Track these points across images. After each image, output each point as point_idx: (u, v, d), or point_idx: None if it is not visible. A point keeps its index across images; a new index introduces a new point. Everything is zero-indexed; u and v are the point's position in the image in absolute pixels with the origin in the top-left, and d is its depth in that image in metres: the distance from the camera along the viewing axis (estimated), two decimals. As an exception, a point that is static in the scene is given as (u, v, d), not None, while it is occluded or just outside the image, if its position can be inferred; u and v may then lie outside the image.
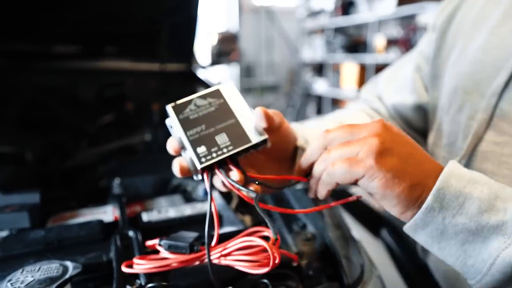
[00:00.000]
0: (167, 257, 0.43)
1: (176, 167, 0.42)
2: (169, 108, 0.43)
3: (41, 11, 1.08)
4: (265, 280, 0.43)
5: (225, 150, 0.41)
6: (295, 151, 0.50)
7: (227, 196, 0.67)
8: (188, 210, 0.60)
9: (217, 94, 0.45)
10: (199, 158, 0.40)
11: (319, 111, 4.61)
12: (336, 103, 4.33)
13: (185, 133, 0.42)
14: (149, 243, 0.45)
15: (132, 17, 1.25)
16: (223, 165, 0.41)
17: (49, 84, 1.26)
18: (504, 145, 0.46)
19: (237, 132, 0.42)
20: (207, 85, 1.32)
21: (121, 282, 0.43)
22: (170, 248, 0.43)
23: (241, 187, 0.39)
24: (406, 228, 0.37)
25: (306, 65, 4.87)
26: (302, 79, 4.86)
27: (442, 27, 0.59)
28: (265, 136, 0.42)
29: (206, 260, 0.41)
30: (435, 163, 0.37)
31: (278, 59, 4.96)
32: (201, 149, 0.40)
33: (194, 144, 0.41)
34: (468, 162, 0.50)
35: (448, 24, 0.58)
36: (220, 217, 0.59)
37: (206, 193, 0.68)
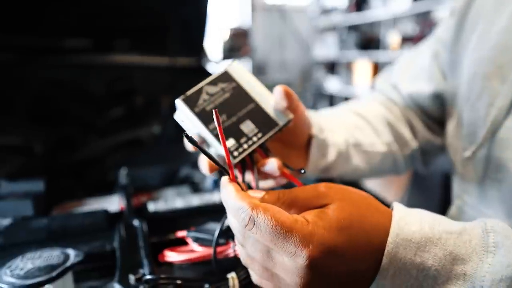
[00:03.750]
0: (194, 249, 0.43)
1: (204, 166, 0.39)
2: (179, 102, 0.38)
3: (51, 5, 1.08)
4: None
5: (255, 139, 0.37)
6: (309, 139, 0.48)
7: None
8: (195, 200, 0.59)
9: (226, 77, 0.41)
10: (230, 153, 0.36)
11: (331, 110, 4.57)
12: (348, 101, 4.28)
13: (207, 128, 0.37)
14: (179, 234, 0.47)
15: (142, 10, 1.24)
16: (253, 153, 0.38)
17: (59, 78, 1.26)
18: None
19: (261, 117, 0.39)
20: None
21: (124, 271, 0.41)
22: (198, 241, 0.44)
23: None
24: None
25: (318, 63, 4.83)
26: (314, 78, 4.82)
27: (462, 11, 0.56)
28: (290, 116, 0.40)
29: (231, 253, 0.40)
30: (377, 233, 0.29)
31: (290, 57, 4.93)
32: (230, 142, 0.37)
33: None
34: (488, 151, 0.47)
35: (467, 8, 0.55)
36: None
37: (215, 184, 0.66)
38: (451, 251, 0.28)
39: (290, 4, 4.79)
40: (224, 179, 0.32)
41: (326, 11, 4.56)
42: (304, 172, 0.38)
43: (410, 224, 0.29)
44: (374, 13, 3.67)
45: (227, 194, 0.31)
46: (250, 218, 0.28)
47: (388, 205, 0.33)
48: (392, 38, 3.46)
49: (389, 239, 0.29)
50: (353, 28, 4.18)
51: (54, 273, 0.37)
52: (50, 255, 0.40)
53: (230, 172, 0.32)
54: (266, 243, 0.29)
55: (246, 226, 0.28)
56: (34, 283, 0.36)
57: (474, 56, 0.51)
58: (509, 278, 0.27)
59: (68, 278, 0.40)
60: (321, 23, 4.64)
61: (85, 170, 0.93)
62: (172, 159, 0.93)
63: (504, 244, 0.28)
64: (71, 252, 0.41)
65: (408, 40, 3.29)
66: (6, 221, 0.51)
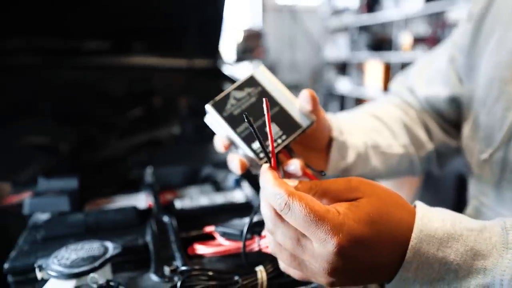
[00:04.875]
0: (222, 243, 0.46)
1: (236, 165, 0.42)
2: (209, 107, 0.41)
3: (73, 9, 1.12)
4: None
5: (279, 141, 0.40)
6: (329, 141, 0.50)
7: (257, 185, 0.68)
8: (219, 198, 0.61)
9: (252, 81, 0.43)
10: (257, 154, 0.39)
11: (342, 111, 4.56)
12: (359, 102, 4.28)
13: (235, 131, 0.40)
14: (207, 229, 0.50)
15: (161, 13, 1.27)
16: (278, 154, 0.41)
17: (80, 79, 1.30)
18: None
19: (285, 119, 0.41)
20: (232, 81, 1.33)
21: (159, 263, 0.44)
22: (225, 235, 0.47)
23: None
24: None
25: (329, 64, 4.83)
26: (325, 78, 4.82)
27: (479, 16, 0.57)
28: (313, 118, 0.42)
29: (255, 247, 0.43)
30: (402, 228, 0.31)
31: (301, 57, 4.94)
32: (256, 145, 0.39)
33: (247, 140, 0.39)
34: (505, 153, 0.49)
35: (485, 13, 0.56)
36: (252, 207, 0.60)
37: (236, 183, 0.69)
38: (472, 247, 0.30)
39: (301, 4, 4.79)
40: (265, 166, 0.35)
41: (337, 12, 4.56)
42: (325, 175, 0.41)
43: (432, 221, 0.32)
44: (386, 13, 3.66)
45: (266, 180, 0.33)
46: (286, 204, 0.30)
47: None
48: (404, 38, 3.45)
49: (413, 235, 0.31)
50: (364, 28, 4.18)
51: (96, 263, 0.41)
52: (91, 247, 0.44)
53: (272, 159, 0.34)
54: (299, 228, 0.31)
55: (282, 210, 0.31)
56: (80, 272, 0.39)
57: (491, 61, 0.53)
58: None
59: (108, 268, 0.43)
60: (332, 24, 4.64)
61: (108, 169, 0.96)
62: (191, 158, 0.97)
63: None
64: (109, 244, 0.44)
65: (420, 41, 3.28)
66: (45, 216, 0.55)
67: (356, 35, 4.17)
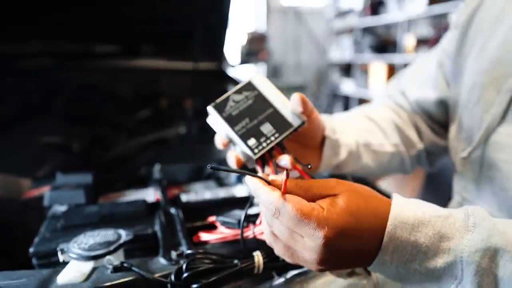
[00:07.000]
0: (223, 232, 0.52)
1: (232, 160, 0.47)
2: (210, 108, 0.46)
3: (84, 13, 1.17)
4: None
5: (272, 138, 0.45)
6: (323, 140, 0.55)
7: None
8: (222, 193, 0.66)
9: (250, 86, 0.48)
10: (252, 150, 0.44)
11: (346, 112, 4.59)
12: (363, 103, 4.30)
13: (233, 129, 0.45)
14: (210, 219, 0.55)
15: (168, 17, 1.32)
16: (272, 150, 0.46)
17: (91, 81, 1.36)
18: None
19: (278, 120, 0.46)
20: (236, 83, 1.38)
21: (167, 248, 0.49)
22: (224, 224, 0.52)
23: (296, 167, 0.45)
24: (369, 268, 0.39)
25: (333, 66, 4.87)
26: (329, 80, 4.86)
27: (464, 25, 0.61)
28: (304, 119, 0.47)
29: (250, 235, 0.48)
30: (378, 217, 0.36)
31: (306, 59, 4.98)
32: (252, 141, 0.44)
33: (244, 137, 0.44)
34: (482, 152, 0.53)
35: (469, 22, 0.60)
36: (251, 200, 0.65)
37: (237, 179, 0.74)
38: (439, 231, 0.35)
39: (306, 6, 4.83)
40: (248, 176, 0.40)
41: (341, 13, 4.60)
42: (311, 168, 0.45)
43: (405, 210, 0.36)
44: (390, 15, 3.69)
45: (256, 187, 0.38)
46: (276, 209, 0.36)
47: (388, 196, 0.40)
48: (408, 40, 3.48)
49: (389, 222, 0.36)
50: (368, 30, 4.21)
51: (112, 247, 0.46)
52: (106, 233, 0.49)
53: (258, 166, 0.40)
54: (289, 226, 0.36)
55: (274, 215, 0.36)
56: (97, 255, 0.44)
57: (473, 67, 0.57)
58: (482, 249, 0.34)
59: (121, 253, 0.48)
60: (337, 25, 4.67)
61: (118, 167, 1.01)
62: (196, 157, 1.02)
63: (480, 224, 0.35)
64: (122, 232, 0.50)
65: (424, 43, 3.31)
66: (62, 208, 0.60)
67: (360, 37, 4.21)
